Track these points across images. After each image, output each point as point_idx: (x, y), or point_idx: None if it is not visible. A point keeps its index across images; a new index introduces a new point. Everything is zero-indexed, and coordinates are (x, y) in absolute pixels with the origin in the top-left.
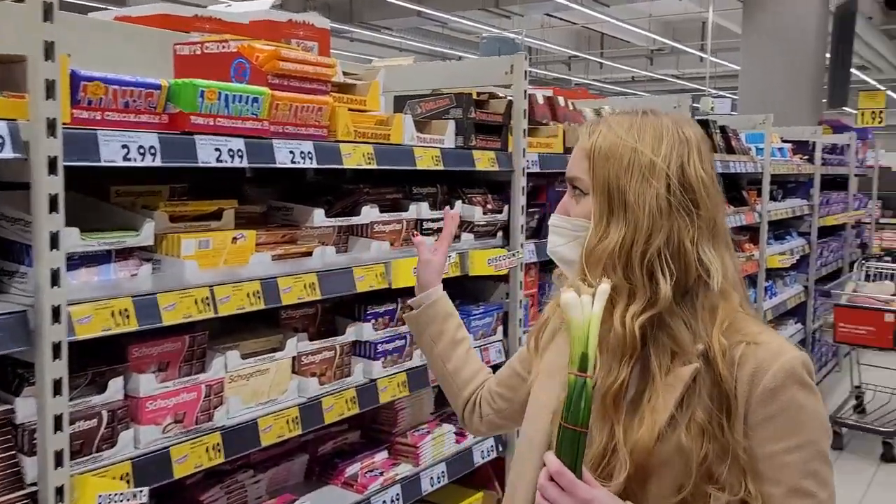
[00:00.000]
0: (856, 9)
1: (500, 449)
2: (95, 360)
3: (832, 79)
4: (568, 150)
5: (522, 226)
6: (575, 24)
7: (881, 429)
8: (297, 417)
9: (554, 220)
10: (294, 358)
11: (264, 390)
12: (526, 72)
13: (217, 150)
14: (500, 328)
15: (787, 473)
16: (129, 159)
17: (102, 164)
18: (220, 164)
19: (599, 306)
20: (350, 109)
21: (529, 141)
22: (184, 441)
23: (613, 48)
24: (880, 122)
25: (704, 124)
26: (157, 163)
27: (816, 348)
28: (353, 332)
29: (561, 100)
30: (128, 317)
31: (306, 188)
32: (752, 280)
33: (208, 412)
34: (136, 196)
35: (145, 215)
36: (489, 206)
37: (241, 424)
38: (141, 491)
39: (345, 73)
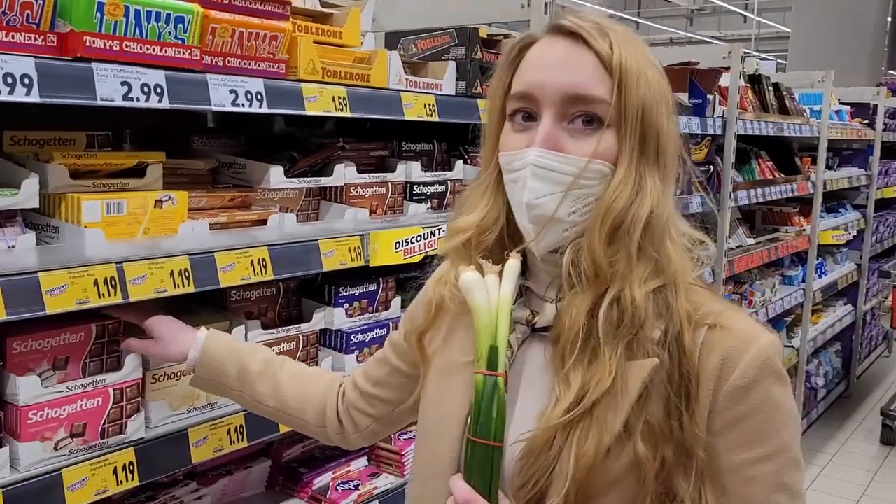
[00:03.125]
0: None
1: None
2: None
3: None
4: None
5: None
6: None
7: None
8: (241, 426)
9: (543, 157)
10: None
11: (200, 393)
12: (547, 4)
13: (125, 84)
14: None
15: (757, 489)
16: None
17: None
18: (127, 104)
19: (509, 287)
20: (319, 42)
21: None
22: (81, 461)
23: (651, 7)
24: None
25: (756, 80)
26: (34, 98)
27: (867, 331)
28: (321, 319)
29: None
30: None
31: (274, 141)
32: (801, 258)
33: (120, 422)
34: (41, 145)
35: (35, 168)
36: None
37: (163, 436)
38: None
39: (324, 4)
